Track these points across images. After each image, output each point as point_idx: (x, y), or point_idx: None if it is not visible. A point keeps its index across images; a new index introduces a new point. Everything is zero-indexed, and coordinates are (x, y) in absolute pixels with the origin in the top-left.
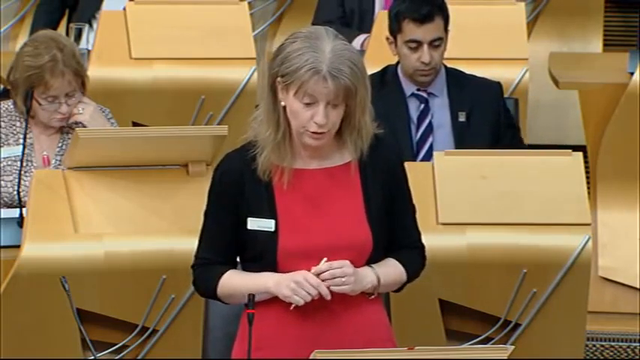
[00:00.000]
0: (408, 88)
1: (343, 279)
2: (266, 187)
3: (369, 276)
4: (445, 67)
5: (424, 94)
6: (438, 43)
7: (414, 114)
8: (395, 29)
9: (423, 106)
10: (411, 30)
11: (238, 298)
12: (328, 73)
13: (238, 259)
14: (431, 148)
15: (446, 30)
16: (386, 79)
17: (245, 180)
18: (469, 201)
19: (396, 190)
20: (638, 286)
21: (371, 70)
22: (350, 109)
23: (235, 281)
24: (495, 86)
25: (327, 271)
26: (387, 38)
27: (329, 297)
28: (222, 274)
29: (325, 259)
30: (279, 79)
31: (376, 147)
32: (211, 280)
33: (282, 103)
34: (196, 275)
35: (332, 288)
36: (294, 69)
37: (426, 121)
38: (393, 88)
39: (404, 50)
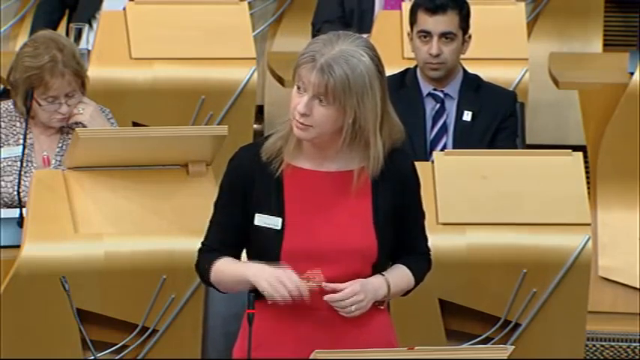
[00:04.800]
0: (425, 87)
1: (353, 307)
2: (276, 184)
3: (381, 287)
4: (465, 71)
5: (440, 94)
6: (449, 36)
7: (429, 113)
8: (411, 21)
9: (438, 105)
10: (423, 20)
11: (226, 285)
12: (320, 65)
13: (244, 255)
14: (444, 148)
15: (462, 27)
16: (405, 79)
17: (256, 175)
18: (469, 201)
19: (408, 198)
20: (638, 286)
21: None
22: (346, 118)
23: (223, 268)
24: (509, 94)
25: (341, 300)
26: (408, 34)
27: (307, 297)
28: (215, 260)
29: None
30: None
31: (391, 156)
32: (206, 266)
33: None
34: (197, 260)
35: (342, 314)
36: (301, 52)
37: (441, 121)
38: (411, 88)
39: (416, 42)
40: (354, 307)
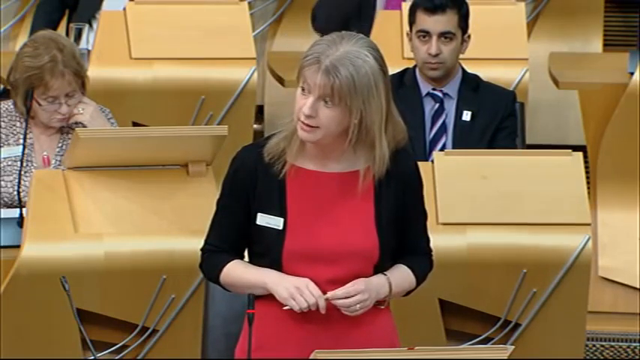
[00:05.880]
0: (425, 87)
1: (357, 306)
2: (279, 184)
3: (383, 286)
4: (464, 70)
5: (439, 94)
6: (448, 36)
7: (428, 113)
8: (410, 21)
9: (437, 105)
10: (422, 20)
11: (239, 288)
12: (325, 67)
13: (246, 253)
14: (444, 148)
15: (461, 27)
16: (404, 79)
17: (259, 175)
18: (469, 201)
19: (410, 199)
20: (638, 286)
21: None
22: (351, 119)
23: (237, 272)
24: (508, 94)
25: (344, 298)
26: (407, 34)
27: (324, 311)
28: (227, 262)
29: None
30: None
31: (394, 156)
32: (216, 267)
33: None
34: (203, 260)
35: (346, 313)
36: (306, 54)
37: (440, 121)
38: (410, 88)
39: (416, 42)
40: (358, 305)
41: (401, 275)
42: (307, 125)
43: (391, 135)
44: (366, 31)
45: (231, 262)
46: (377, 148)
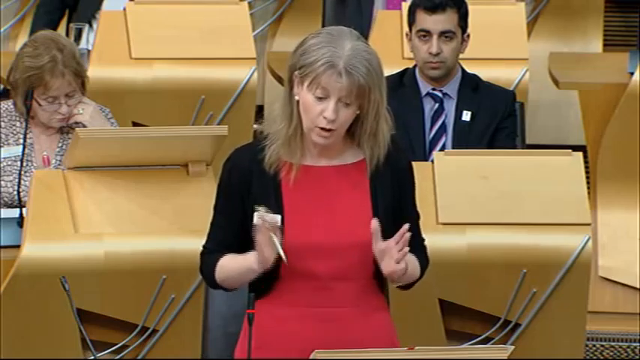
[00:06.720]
0: (424, 87)
1: (407, 248)
2: (274, 182)
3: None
4: (463, 70)
5: (439, 94)
6: (448, 35)
7: (428, 113)
8: (410, 21)
9: (437, 105)
10: (422, 19)
11: (233, 280)
12: (344, 68)
13: None
14: (444, 148)
15: (461, 26)
16: (404, 79)
17: (253, 175)
18: (469, 201)
19: (404, 194)
20: (638, 286)
21: None
22: (363, 112)
23: (228, 264)
24: (508, 94)
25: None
26: (406, 34)
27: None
28: (219, 259)
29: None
30: (296, 72)
31: (388, 149)
32: (210, 267)
33: (297, 97)
34: (200, 263)
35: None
36: (311, 61)
37: (440, 121)
38: (409, 88)
39: (416, 42)
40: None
41: (411, 260)
42: (328, 130)
43: (384, 123)
44: None
45: (222, 259)
46: (380, 134)
